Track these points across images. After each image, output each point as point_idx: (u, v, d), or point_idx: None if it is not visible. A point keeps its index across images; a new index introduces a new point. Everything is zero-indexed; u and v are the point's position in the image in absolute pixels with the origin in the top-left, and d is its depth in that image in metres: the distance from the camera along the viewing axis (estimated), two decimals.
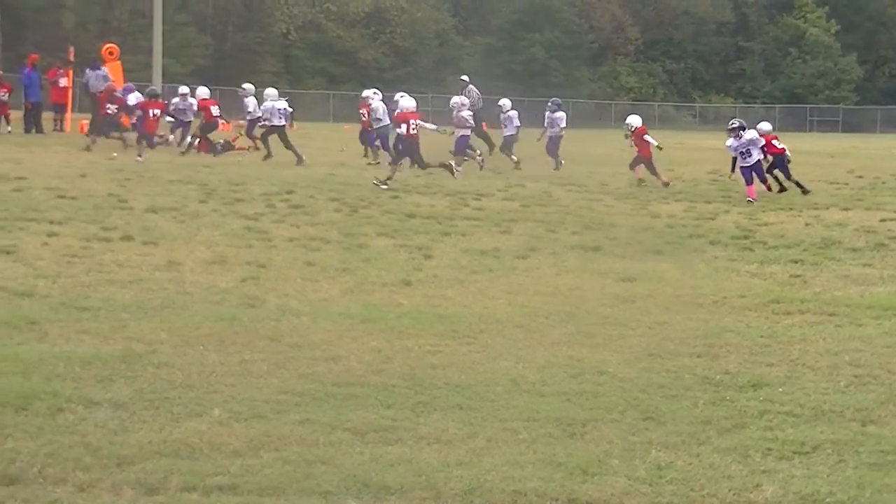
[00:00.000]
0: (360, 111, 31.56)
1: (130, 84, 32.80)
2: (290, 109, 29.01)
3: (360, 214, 17.00)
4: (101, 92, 30.16)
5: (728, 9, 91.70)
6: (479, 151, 28.56)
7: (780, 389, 7.83)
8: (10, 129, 33.38)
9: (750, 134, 22.11)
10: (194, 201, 17.78)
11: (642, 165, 24.61)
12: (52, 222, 14.59)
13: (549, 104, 30.84)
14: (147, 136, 27.63)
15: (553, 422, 6.90)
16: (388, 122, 27.03)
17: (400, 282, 11.49)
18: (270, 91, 29.07)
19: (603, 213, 18.54)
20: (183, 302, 10.05)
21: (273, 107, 27.86)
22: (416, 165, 23.05)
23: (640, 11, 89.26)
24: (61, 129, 35.90)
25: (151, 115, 28.13)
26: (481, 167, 27.25)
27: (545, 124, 30.62)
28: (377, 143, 28.49)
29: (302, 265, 12.27)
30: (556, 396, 7.50)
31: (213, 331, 8.94)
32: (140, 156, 25.56)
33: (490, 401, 7.33)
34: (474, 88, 32.81)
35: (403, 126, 22.30)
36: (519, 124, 30.27)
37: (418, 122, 22.55)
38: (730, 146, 21.90)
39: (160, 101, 29.69)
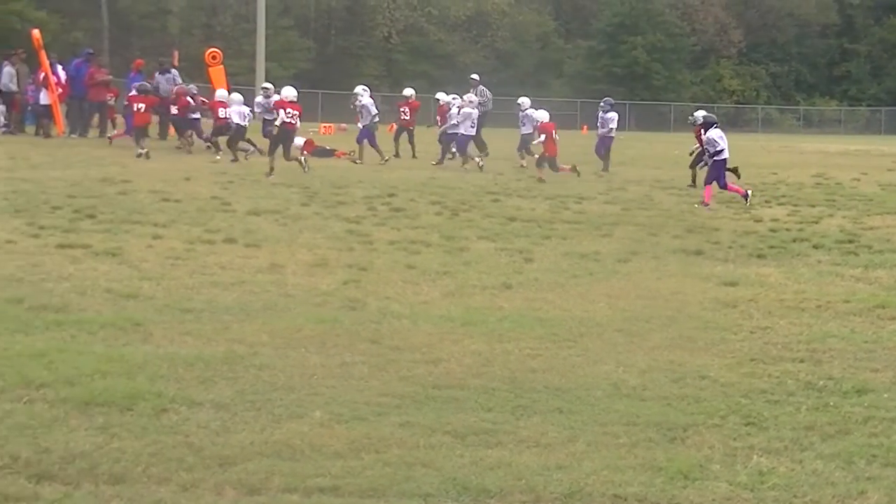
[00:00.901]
0: (402, 109, 32.41)
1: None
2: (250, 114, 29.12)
3: (460, 218, 17.01)
4: (173, 95, 30.40)
5: (833, 10, 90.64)
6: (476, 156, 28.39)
7: (886, 395, 7.72)
8: (115, 131, 33.86)
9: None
10: (296, 204, 17.90)
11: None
12: (156, 225, 14.77)
13: (602, 104, 30.01)
14: (137, 130, 27.64)
15: (653, 426, 6.86)
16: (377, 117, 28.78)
17: (500, 285, 11.48)
18: (235, 96, 28.98)
19: (705, 216, 18.38)
20: (285, 304, 10.12)
21: (239, 111, 27.96)
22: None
23: (743, 14, 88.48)
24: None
25: (136, 108, 27.91)
26: (480, 168, 27.09)
27: (597, 125, 29.92)
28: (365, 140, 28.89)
29: (403, 268, 12.31)
30: (656, 401, 7.45)
31: (315, 333, 8.99)
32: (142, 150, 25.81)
33: (590, 405, 7.30)
34: (486, 89, 32.74)
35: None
36: (537, 124, 29.48)
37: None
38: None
39: (150, 95, 29.35)
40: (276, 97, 28.25)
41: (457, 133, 28.43)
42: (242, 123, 27.59)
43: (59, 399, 6.90)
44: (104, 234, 13.90)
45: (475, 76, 33.70)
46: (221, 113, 27.83)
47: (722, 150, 20.59)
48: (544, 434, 6.65)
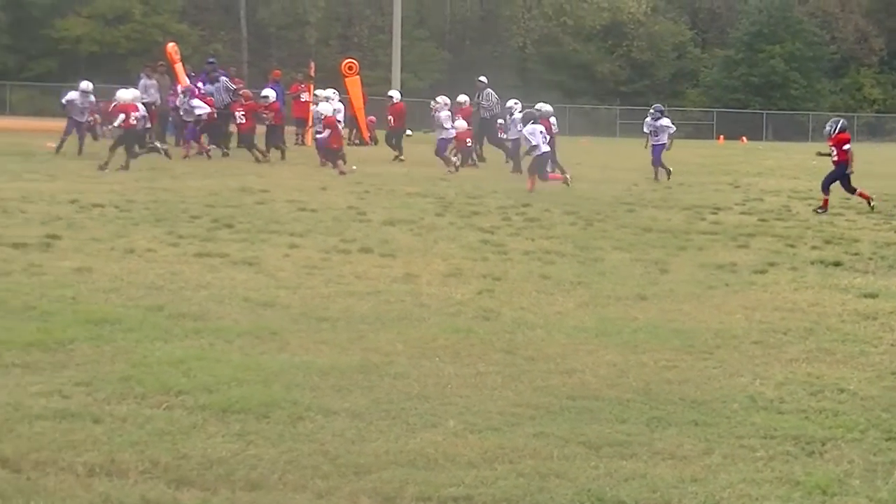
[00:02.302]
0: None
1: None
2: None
3: (595, 228, 16.93)
4: (230, 104, 30.60)
5: None
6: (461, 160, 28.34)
7: None
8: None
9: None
10: (431, 214, 17.97)
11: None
12: (293, 234, 14.93)
13: (652, 111, 29.07)
14: (245, 138, 28.86)
15: (791, 440, 6.75)
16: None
17: (635, 296, 11.40)
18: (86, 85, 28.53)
19: (844, 227, 18.06)
20: (419, 314, 10.16)
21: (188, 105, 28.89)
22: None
23: (884, 21, 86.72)
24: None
25: (238, 117, 29.22)
26: (456, 169, 27.48)
27: (648, 132, 28.75)
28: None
29: (537, 278, 12.28)
30: (794, 414, 7.33)
31: (449, 342, 9.01)
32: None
33: (726, 417, 7.21)
34: (492, 92, 32.36)
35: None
36: (557, 130, 28.50)
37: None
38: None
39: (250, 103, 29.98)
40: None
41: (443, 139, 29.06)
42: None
43: (198, 406, 7.00)
44: (242, 243, 14.09)
45: (483, 79, 33.45)
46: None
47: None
48: (679, 446, 6.58)
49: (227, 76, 33.67)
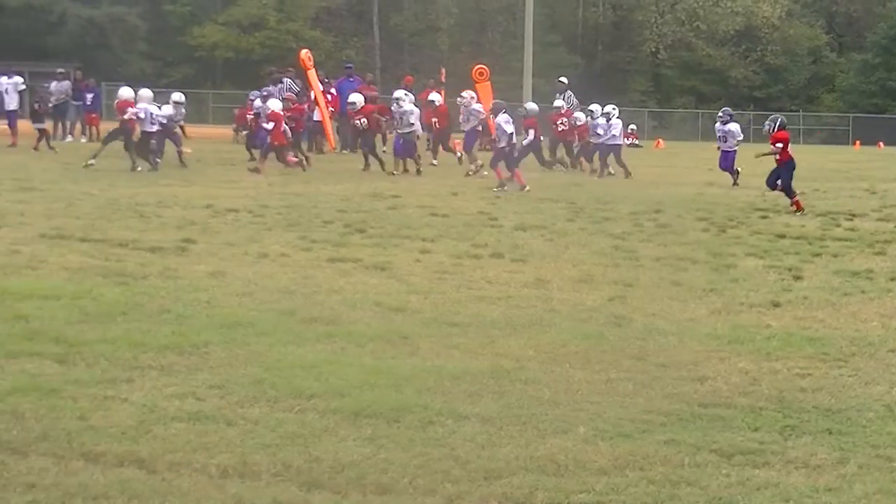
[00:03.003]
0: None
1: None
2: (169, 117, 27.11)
3: (728, 234, 16.75)
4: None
5: None
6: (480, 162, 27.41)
7: None
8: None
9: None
10: (562, 220, 17.93)
11: None
12: (424, 240, 14.99)
13: (720, 114, 27.96)
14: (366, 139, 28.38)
15: None
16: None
17: (769, 303, 11.25)
18: (145, 92, 26.33)
19: None
20: (550, 319, 10.13)
21: (147, 110, 25.50)
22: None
23: None
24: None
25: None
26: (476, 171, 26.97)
27: (717, 137, 27.75)
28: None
29: (668, 284, 12.19)
30: None
31: (580, 348, 8.98)
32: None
33: (862, 426, 7.09)
34: (572, 94, 31.74)
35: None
36: (616, 133, 28.31)
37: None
38: None
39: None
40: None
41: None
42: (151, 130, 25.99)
43: (329, 409, 7.06)
44: (374, 248, 14.18)
45: (563, 79, 32.99)
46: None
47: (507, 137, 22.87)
48: (813, 455, 6.48)
49: (360, 82, 34.00)
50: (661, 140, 55.49)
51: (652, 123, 69.89)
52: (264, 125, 26.62)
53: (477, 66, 36.26)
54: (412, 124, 27.59)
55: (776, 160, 21.06)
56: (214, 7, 71.71)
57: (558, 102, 31.06)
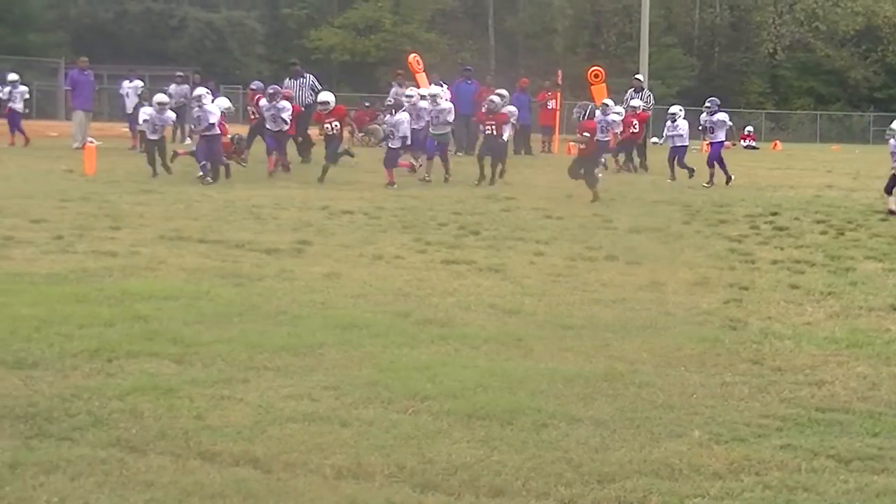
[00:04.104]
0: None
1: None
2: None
3: (846, 237, 16.49)
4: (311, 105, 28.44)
5: None
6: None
7: None
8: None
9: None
10: (678, 222, 17.80)
11: None
12: (538, 242, 14.97)
13: (707, 104, 26.98)
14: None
15: None
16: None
17: (888, 307, 11.05)
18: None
19: None
20: (665, 322, 10.06)
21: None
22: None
23: None
24: (549, 151, 36.91)
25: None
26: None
27: (703, 129, 26.91)
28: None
29: (785, 288, 12.03)
30: None
31: (695, 352, 8.91)
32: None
33: None
34: (651, 94, 30.97)
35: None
36: (683, 134, 27.02)
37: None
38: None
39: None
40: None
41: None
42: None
43: (443, 411, 7.07)
44: (488, 250, 14.18)
45: (640, 77, 32.35)
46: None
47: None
48: None
49: (478, 85, 34.06)
50: (778, 142, 54.91)
51: (769, 125, 69.20)
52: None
53: (592, 68, 36.10)
54: (448, 123, 25.94)
55: (580, 149, 21.56)
56: (331, 10, 72.47)
57: (635, 102, 30.33)
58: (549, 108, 37.69)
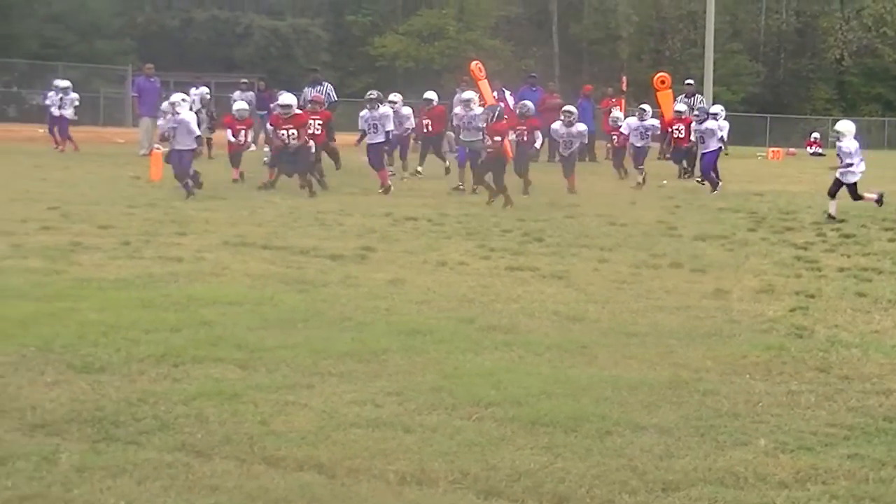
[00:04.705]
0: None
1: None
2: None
3: None
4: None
5: None
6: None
7: None
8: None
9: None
10: (743, 229, 17.69)
11: None
12: (602, 248, 14.92)
13: (695, 113, 26.31)
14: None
15: None
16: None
17: None
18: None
19: None
20: (730, 330, 9.99)
21: None
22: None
23: None
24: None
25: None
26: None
27: (695, 139, 25.84)
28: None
29: (852, 296, 11.92)
30: None
31: (760, 360, 8.84)
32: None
33: None
34: (703, 98, 30.35)
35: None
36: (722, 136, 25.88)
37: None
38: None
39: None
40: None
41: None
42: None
43: (507, 418, 7.06)
44: (552, 256, 14.16)
45: (691, 81, 31.84)
46: None
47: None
48: None
49: (542, 91, 34.05)
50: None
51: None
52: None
53: (658, 75, 35.95)
54: (480, 129, 23.38)
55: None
56: (395, 17, 72.68)
57: (680, 107, 29.74)
58: (613, 115, 37.52)
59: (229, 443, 6.44)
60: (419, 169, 28.14)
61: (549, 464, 6.24)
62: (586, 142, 28.18)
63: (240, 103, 25.57)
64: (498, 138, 20.80)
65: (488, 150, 20.97)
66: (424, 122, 27.97)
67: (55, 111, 33.39)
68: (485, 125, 21.54)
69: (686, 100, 31.55)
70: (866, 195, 19.94)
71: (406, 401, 7.40)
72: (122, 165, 27.72)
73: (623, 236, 16.39)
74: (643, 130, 26.63)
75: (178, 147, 20.48)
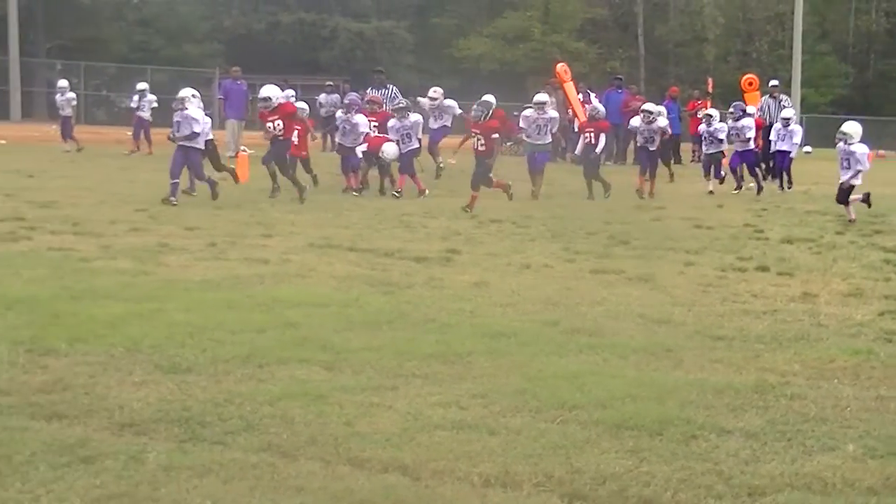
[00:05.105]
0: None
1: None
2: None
3: None
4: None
5: None
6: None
7: None
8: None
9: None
10: (831, 232, 17.51)
11: None
12: (688, 252, 14.84)
13: (731, 110, 25.43)
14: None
15: None
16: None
17: None
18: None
19: None
20: (817, 334, 9.89)
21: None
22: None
23: None
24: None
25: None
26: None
27: (730, 135, 25.02)
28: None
29: None
30: None
31: (848, 364, 8.74)
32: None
33: None
34: (788, 98, 29.54)
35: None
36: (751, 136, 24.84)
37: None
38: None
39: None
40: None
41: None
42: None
43: (591, 421, 7.04)
44: (637, 259, 14.10)
45: (776, 82, 31.20)
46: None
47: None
48: None
49: (627, 93, 33.92)
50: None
51: None
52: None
53: (747, 76, 35.65)
54: (553, 133, 24.14)
55: (478, 151, 20.36)
56: (480, 19, 72.62)
57: (751, 108, 29.36)
58: (699, 116, 37.27)
59: (314, 444, 6.48)
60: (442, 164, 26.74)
61: (634, 467, 6.22)
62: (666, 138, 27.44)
63: (300, 103, 25.37)
64: (494, 136, 20.25)
65: (480, 147, 20.33)
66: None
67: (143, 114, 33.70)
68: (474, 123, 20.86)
69: (770, 100, 31.12)
70: (853, 198, 19.36)
71: (490, 403, 7.40)
72: (209, 167, 27.92)
73: (709, 239, 16.28)
74: (735, 131, 25.83)
75: (182, 143, 19.58)
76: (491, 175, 20.36)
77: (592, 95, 34.05)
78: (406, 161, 22.48)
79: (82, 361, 8.18)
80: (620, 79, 38.08)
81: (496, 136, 20.29)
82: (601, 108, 24.79)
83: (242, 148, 27.92)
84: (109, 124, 50.20)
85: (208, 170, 20.00)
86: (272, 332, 9.28)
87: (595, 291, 11.75)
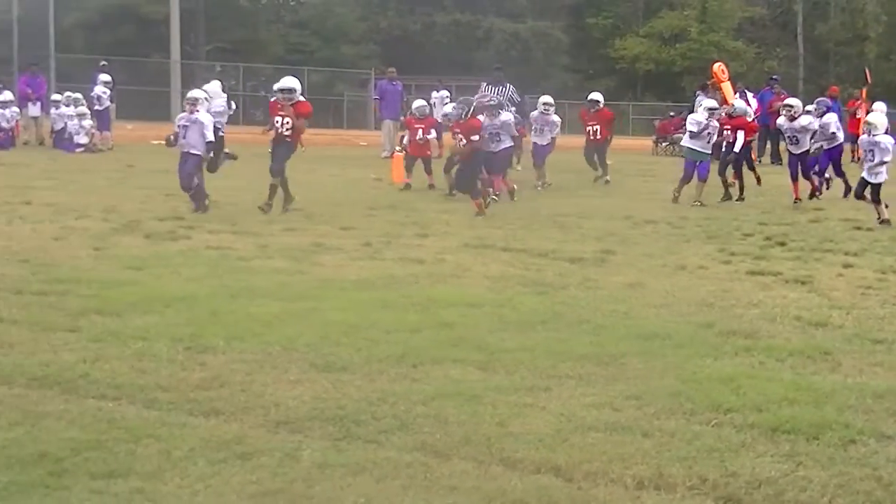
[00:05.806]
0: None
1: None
2: None
3: None
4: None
5: None
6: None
7: None
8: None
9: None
10: None
11: None
12: (847, 253, 14.58)
13: (815, 106, 23.68)
14: None
15: None
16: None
17: None
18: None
19: None
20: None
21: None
22: None
23: None
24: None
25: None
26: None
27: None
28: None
29: None
30: None
31: None
32: None
33: None
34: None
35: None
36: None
37: None
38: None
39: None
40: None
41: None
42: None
43: (747, 424, 6.97)
44: (795, 261, 13.90)
45: (776, 77, 29.88)
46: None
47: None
48: None
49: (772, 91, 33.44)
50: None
51: None
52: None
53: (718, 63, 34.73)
54: (711, 136, 22.28)
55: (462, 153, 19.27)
56: (636, 19, 72.25)
57: (810, 107, 27.85)
58: (857, 116, 36.49)
59: (468, 444, 6.51)
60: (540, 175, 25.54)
61: (791, 472, 6.14)
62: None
63: (419, 100, 25.22)
64: (474, 137, 18.93)
65: (462, 149, 19.28)
66: (590, 126, 26.00)
67: None
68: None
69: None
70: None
71: (644, 405, 7.36)
72: (364, 168, 28.23)
73: (869, 241, 15.97)
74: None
75: (185, 149, 17.84)
76: (480, 177, 19.43)
77: (750, 95, 33.52)
78: (497, 162, 21.09)
79: (239, 359, 8.34)
80: (776, 79, 37.44)
81: (476, 137, 18.98)
82: (743, 105, 24.28)
83: (398, 148, 28.09)
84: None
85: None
86: (427, 331, 9.34)
87: (751, 293, 11.62)
